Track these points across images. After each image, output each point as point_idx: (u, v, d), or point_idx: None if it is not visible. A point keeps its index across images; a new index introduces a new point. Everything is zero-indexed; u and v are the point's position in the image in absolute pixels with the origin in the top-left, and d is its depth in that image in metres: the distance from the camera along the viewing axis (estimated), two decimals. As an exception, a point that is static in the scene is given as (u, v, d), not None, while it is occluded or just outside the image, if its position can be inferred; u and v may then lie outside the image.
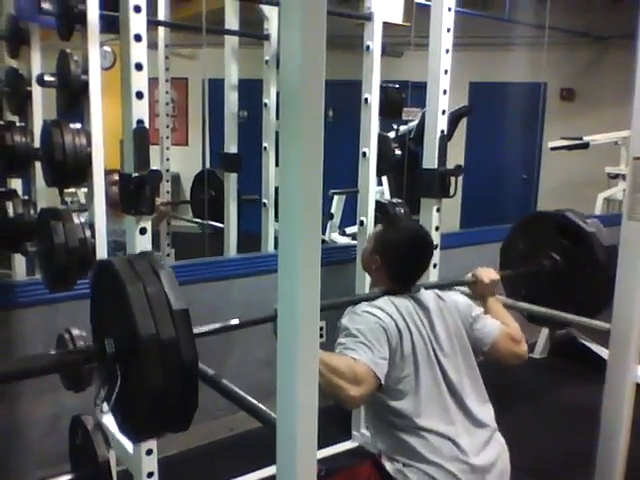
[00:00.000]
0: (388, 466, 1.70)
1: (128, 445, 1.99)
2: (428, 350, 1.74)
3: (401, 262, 1.88)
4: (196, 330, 1.38)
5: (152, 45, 4.19)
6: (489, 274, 2.11)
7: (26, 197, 2.53)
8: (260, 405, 1.33)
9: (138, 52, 1.72)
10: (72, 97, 2.02)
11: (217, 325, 1.63)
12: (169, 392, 1.11)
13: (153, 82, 4.43)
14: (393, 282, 1.87)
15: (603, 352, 3.70)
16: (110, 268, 1.19)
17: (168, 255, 4.17)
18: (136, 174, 1.72)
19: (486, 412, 1.81)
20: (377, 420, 1.78)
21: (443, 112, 2.49)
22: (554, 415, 3.39)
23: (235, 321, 1.76)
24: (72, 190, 3.51)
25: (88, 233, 1.97)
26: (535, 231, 2.45)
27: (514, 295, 2.45)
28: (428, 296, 1.87)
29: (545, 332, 4.23)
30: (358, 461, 1.93)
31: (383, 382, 1.63)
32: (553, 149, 5.44)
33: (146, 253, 1.32)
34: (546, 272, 2.35)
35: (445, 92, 2.47)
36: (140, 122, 1.72)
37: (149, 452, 1.89)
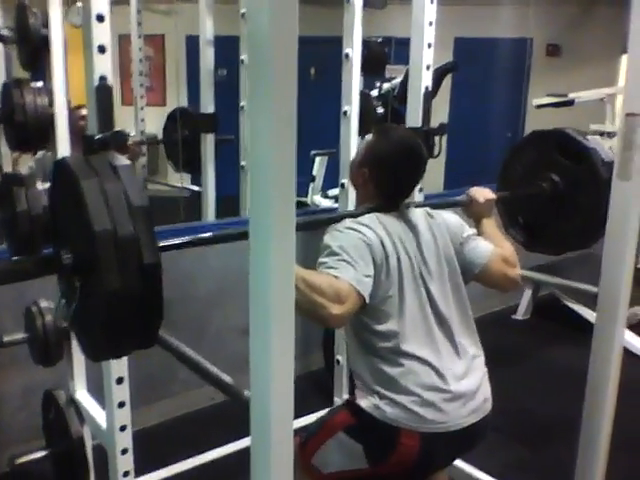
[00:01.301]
0: (363, 403, 1.62)
1: (102, 420, 1.93)
2: (414, 272, 1.64)
3: (391, 176, 1.73)
4: (164, 243, 1.34)
5: (124, 1, 4.01)
6: (484, 193, 1.98)
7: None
8: (230, 380, 1.26)
9: (99, 1, 1.58)
10: (32, 53, 1.89)
11: (187, 238, 1.52)
12: (129, 298, 1.03)
13: (126, 39, 4.24)
14: (381, 198, 1.74)
15: (587, 313, 3.70)
16: (64, 166, 1.10)
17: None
18: (99, 136, 1.61)
19: (471, 340, 1.74)
20: (358, 347, 1.68)
21: (427, 67, 2.38)
22: (537, 377, 3.39)
23: (208, 234, 1.64)
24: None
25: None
26: (534, 152, 2.30)
27: (511, 224, 2.32)
28: (418, 214, 1.75)
29: (528, 293, 4.22)
30: (334, 410, 1.84)
31: (367, 301, 1.53)
32: (538, 107, 5.34)
33: (107, 152, 1.21)
34: (546, 194, 2.21)
35: (430, 46, 2.36)
36: (102, 78, 1.59)
37: (123, 428, 1.82)
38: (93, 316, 1.09)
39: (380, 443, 1.63)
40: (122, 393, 1.80)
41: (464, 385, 1.63)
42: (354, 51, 2.47)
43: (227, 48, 3.32)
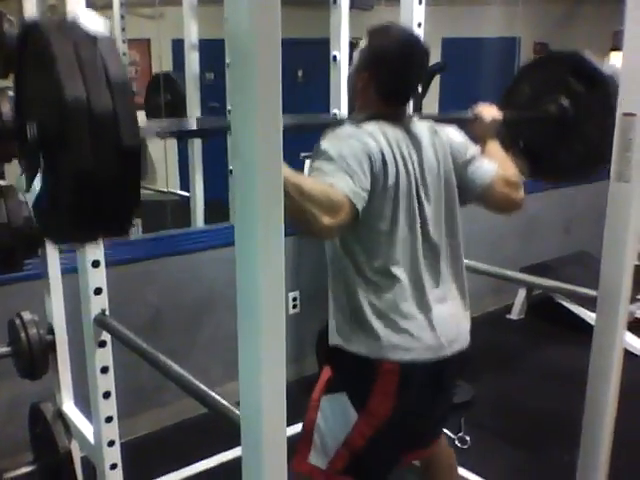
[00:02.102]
0: (337, 341, 1.58)
1: (89, 435, 1.88)
2: (411, 190, 1.54)
3: (393, 72, 1.59)
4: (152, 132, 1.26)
5: (108, 5, 3.96)
6: (491, 111, 1.86)
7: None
8: (222, 401, 1.21)
9: (77, 5, 1.53)
10: (7, 60, 1.83)
11: (175, 128, 1.43)
12: (102, 181, 0.90)
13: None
14: (383, 102, 1.61)
15: (581, 312, 3.68)
16: (35, 26, 0.98)
17: (134, 226, 4.00)
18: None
19: (455, 270, 1.67)
20: (339, 276, 1.60)
21: (416, 69, 2.33)
22: (533, 377, 3.36)
23: (192, 124, 1.52)
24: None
25: (34, 210, 1.81)
26: (545, 74, 2.16)
27: (512, 148, 2.12)
28: (422, 128, 1.63)
29: (522, 293, 4.19)
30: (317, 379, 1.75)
31: (360, 214, 1.44)
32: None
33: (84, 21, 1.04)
34: (553, 119, 2.08)
35: (418, 47, 2.32)
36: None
37: (111, 443, 1.77)
38: (59, 198, 0.97)
39: (360, 377, 1.58)
40: (109, 407, 1.75)
41: (442, 316, 1.58)
42: (341, 53, 2.43)
43: (214, 51, 3.27)
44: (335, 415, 1.60)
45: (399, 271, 1.53)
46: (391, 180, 1.50)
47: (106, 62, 0.91)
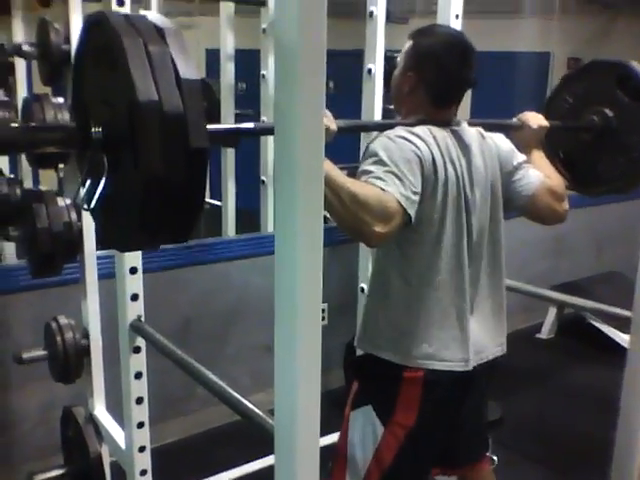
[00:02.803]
0: (370, 350, 1.59)
1: (120, 440, 1.89)
2: (460, 194, 1.52)
3: (442, 71, 1.56)
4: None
5: (145, 14, 4.03)
6: (538, 120, 1.82)
7: (12, 176, 2.40)
8: (256, 410, 1.22)
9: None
10: (53, 68, 1.88)
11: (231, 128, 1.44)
12: (170, 184, 0.87)
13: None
14: (432, 104, 1.58)
15: (612, 333, 3.62)
16: (101, 20, 0.93)
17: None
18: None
19: (495, 281, 1.65)
20: (384, 274, 1.58)
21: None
22: (563, 398, 3.31)
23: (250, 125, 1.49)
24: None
25: (74, 216, 1.84)
26: (589, 83, 2.12)
27: (551, 158, 2.06)
28: (470, 133, 1.61)
29: (553, 312, 4.14)
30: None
31: (413, 220, 1.42)
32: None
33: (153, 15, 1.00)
34: (596, 129, 2.05)
35: (454, 61, 2.31)
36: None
37: (142, 449, 1.79)
38: (125, 202, 0.93)
39: (386, 386, 1.57)
40: (141, 413, 1.77)
41: (476, 327, 1.57)
42: (376, 66, 2.44)
43: (247, 62, 3.31)
44: (364, 429, 1.59)
45: (442, 280, 1.51)
46: (440, 184, 1.48)
47: (175, 59, 0.88)
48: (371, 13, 2.45)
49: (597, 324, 3.81)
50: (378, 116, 2.49)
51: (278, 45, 0.88)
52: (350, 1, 2.65)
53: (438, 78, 1.57)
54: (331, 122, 1.37)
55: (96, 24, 0.96)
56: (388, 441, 1.56)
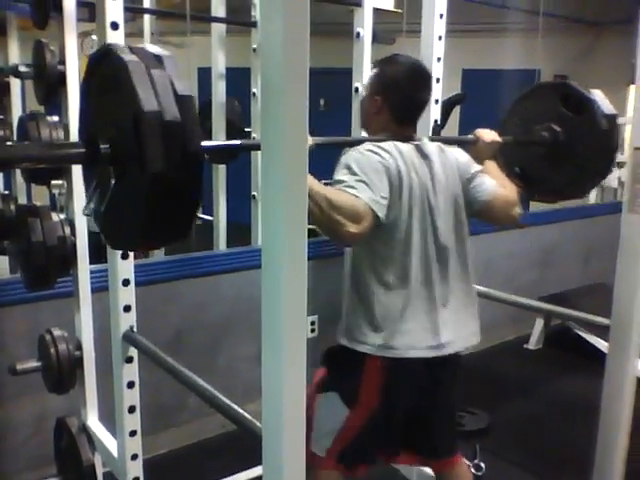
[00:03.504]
0: (345, 343, 1.75)
1: (113, 449, 1.93)
2: (424, 202, 1.72)
3: (405, 96, 1.80)
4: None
5: (138, 33, 4.10)
6: (491, 135, 2.04)
7: (6, 192, 2.45)
8: (244, 413, 1.27)
9: (115, 39, 1.63)
10: (49, 88, 1.93)
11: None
12: (172, 184, 1.01)
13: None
14: (396, 123, 1.81)
15: (599, 343, 3.67)
16: (108, 50, 1.11)
17: (158, 249, 4.09)
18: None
19: (463, 277, 1.81)
20: (358, 273, 1.76)
21: (436, 101, 2.42)
22: (551, 408, 3.35)
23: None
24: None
25: (68, 231, 1.89)
26: (537, 103, 2.33)
27: (508, 174, 2.22)
28: (432, 148, 1.82)
29: (540, 323, 4.19)
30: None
31: (383, 221, 1.61)
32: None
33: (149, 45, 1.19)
34: (546, 143, 2.25)
35: (438, 80, 2.40)
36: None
37: (134, 457, 1.83)
38: (131, 204, 1.07)
39: (353, 374, 1.74)
40: (134, 422, 1.81)
41: (446, 319, 1.73)
42: (363, 85, 2.51)
43: (238, 80, 3.37)
44: (329, 411, 1.78)
45: (411, 276, 1.69)
46: (406, 191, 1.68)
47: (172, 78, 1.04)
48: (358, 34, 2.54)
49: (583, 334, 3.86)
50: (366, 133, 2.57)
51: (263, 65, 0.94)
52: (341, 22, 2.72)
53: (401, 101, 1.80)
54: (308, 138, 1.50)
55: (104, 55, 1.13)
56: (352, 421, 1.75)
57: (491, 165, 2.01)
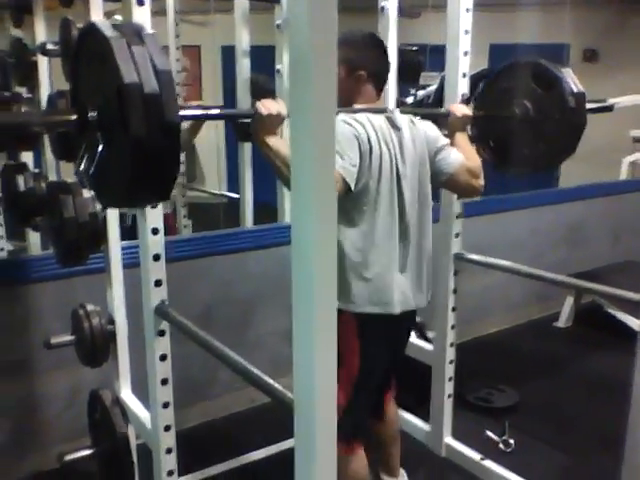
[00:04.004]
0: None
1: (146, 420, 1.97)
2: (392, 169, 1.83)
3: (381, 68, 1.94)
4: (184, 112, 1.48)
5: (162, 12, 4.10)
6: (462, 109, 2.16)
7: (37, 170, 2.48)
8: (275, 384, 1.29)
9: (141, 16, 1.63)
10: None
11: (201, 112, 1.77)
12: (151, 148, 1.12)
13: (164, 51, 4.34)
14: (375, 95, 1.94)
15: (630, 321, 3.62)
16: (93, 28, 1.20)
17: (185, 227, 4.13)
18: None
19: (424, 242, 1.96)
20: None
21: (464, 75, 2.38)
22: (581, 386, 3.33)
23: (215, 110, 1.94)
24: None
25: (99, 207, 1.91)
26: (511, 80, 2.42)
27: (483, 147, 2.46)
28: (403, 119, 1.93)
29: (570, 301, 4.15)
30: None
31: (352, 188, 1.72)
32: (577, 113, 5.27)
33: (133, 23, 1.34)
34: (517, 118, 2.36)
35: (466, 54, 2.36)
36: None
37: (167, 428, 1.86)
38: (116, 166, 1.19)
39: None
40: (166, 394, 1.84)
41: (404, 282, 1.90)
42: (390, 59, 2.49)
43: (262, 58, 3.36)
44: None
45: (379, 240, 1.83)
46: (375, 160, 1.79)
47: (152, 54, 1.14)
48: (382, 8, 2.50)
49: (614, 312, 3.82)
50: (392, 106, 2.55)
51: (291, 42, 0.94)
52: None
53: (380, 73, 1.94)
54: (282, 108, 1.65)
55: (89, 32, 1.23)
56: (342, 385, 1.84)
57: (461, 138, 2.13)
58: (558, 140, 2.30)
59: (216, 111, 1.92)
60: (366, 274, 1.84)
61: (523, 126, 2.34)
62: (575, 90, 2.28)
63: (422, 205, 1.94)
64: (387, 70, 2.00)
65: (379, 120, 1.85)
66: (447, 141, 2.03)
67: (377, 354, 1.96)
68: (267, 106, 1.65)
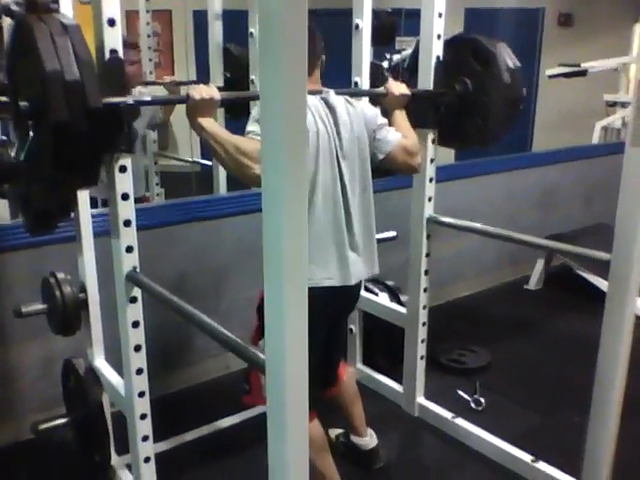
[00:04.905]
0: None
1: (120, 388, 1.97)
2: (330, 147, 1.86)
3: (322, 48, 1.94)
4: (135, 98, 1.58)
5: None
6: (400, 88, 2.18)
7: (4, 138, 2.42)
8: (247, 345, 1.30)
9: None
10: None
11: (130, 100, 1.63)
12: (75, 132, 1.21)
13: (134, 15, 4.23)
14: (316, 77, 1.95)
15: (599, 282, 3.70)
16: (21, 22, 1.32)
17: (158, 195, 4.08)
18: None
19: (366, 213, 1.98)
20: None
21: (438, 37, 2.36)
22: (551, 346, 3.41)
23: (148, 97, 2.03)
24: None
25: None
26: (451, 56, 2.43)
27: (422, 122, 2.44)
28: (338, 99, 1.95)
29: (541, 263, 4.22)
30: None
31: None
32: (551, 77, 5.29)
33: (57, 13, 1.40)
34: (455, 95, 2.39)
35: (440, 15, 2.34)
36: (113, 52, 1.60)
37: (141, 394, 1.86)
38: (43, 151, 1.27)
39: None
40: (140, 360, 1.84)
41: (350, 256, 1.92)
42: (364, 22, 2.46)
43: (235, 22, 3.29)
44: None
45: (321, 216, 1.84)
46: (313, 140, 1.81)
47: (75, 46, 1.25)
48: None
49: (584, 274, 3.89)
50: (366, 70, 2.52)
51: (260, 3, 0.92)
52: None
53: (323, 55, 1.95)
54: (215, 93, 1.71)
55: (20, 24, 1.32)
56: None
57: (399, 116, 2.16)
58: (494, 116, 2.35)
59: (148, 98, 2.02)
60: (313, 254, 1.77)
61: (462, 102, 2.38)
62: (510, 66, 2.30)
63: (362, 184, 1.96)
64: (315, 48, 1.90)
65: (313, 100, 1.87)
66: (385, 120, 2.05)
67: (316, 329, 1.94)
68: (200, 91, 1.71)
